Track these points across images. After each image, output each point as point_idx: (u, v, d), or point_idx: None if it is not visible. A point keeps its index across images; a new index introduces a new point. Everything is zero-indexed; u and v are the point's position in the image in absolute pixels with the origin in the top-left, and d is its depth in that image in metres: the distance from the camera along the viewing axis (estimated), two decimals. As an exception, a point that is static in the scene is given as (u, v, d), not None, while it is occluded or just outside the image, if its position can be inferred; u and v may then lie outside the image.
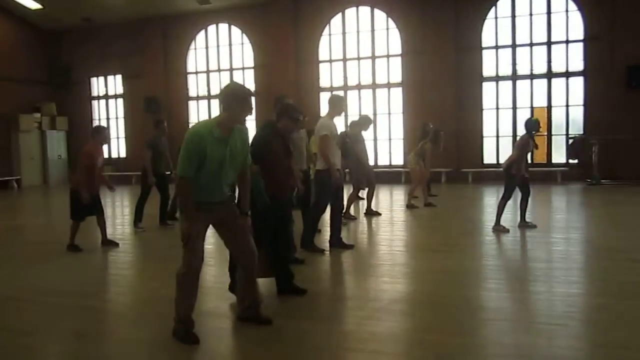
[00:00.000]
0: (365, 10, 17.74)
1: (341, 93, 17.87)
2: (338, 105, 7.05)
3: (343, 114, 7.67)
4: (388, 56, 17.64)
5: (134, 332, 4.35)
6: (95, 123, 21.89)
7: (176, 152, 4.28)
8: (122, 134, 21.54)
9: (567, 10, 15.75)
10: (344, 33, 18.06)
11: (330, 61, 18.28)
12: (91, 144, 7.52)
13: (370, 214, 9.99)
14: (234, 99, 3.86)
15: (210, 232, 4.26)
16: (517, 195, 8.21)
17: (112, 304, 5.26)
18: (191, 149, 3.73)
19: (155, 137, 9.32)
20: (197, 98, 20.29)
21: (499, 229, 7.90)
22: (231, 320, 4.48)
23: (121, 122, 21.50)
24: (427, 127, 11.96)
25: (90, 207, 7.50)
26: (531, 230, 7.99)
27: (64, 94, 21.72)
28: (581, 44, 15.70)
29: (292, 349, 3.79)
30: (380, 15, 17.57)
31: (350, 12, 17.92)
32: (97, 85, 21.94)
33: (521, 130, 16.44)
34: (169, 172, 9.42)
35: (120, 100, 21.48)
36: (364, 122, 9.63)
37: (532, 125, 8.01)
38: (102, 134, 7.54)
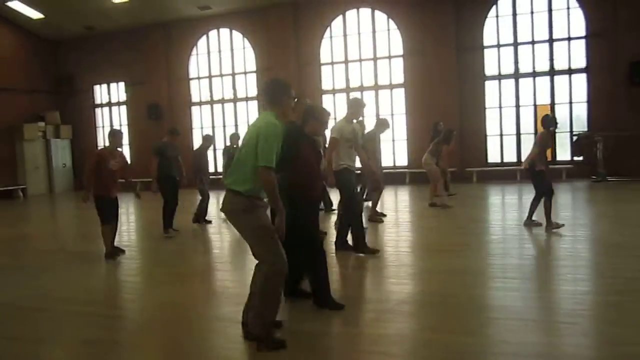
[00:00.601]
0: (365, 11, 17.74)
1: (343, 95, 17.92)
2: (356, 107, 7.05)
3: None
4: (390, 57, 17.64)
5: (143, 339, 4.36)
6: (99, 131, 22.02)
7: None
8: (125, 140, 21.57)
9: (568, 7, 15.72)
10: (345, 35, 18.07)
11: (332, 63, 18.29)
12: (105, 147, 7.70)
13: (376, 215, 9.92)
14: (284, 92, 3.91)
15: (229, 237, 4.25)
16: (525, 191, 8.17)
17: (120, 310, 5.27)
18: (277, 140, 3.73)
19: (162, 144, 9.30)
20: (200, 103, 20.33)
21: (553, 226, 7.68)
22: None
23: (125, 129, 21.53)
24: (439, 126, 11.95)
25: (117, 210, 7.59)
26: (537, 228, 7.96)
27: (67, 102, 21.82)
28: (583, 41, 15.65)
29: (303, 351, 3.79)
30: (381, 16, 17.57)
31: (351, 14, 17.93)
32: (101, 92, 22.01)
33: (525, 128, 16.52)
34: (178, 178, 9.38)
35: (123, 108, 21.56)
36: (381, 124, 9.53)
37: (549, 121, 7.98)
38: (115, 137, 7.60)
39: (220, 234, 9.36)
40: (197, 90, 20.33)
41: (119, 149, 7.73)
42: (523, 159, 16.29)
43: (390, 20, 17.39)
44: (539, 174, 7.80)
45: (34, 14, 18.87)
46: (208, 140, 10.67)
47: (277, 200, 3.71)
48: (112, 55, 20.70)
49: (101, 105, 22.04)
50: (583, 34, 15.61)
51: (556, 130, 15.80)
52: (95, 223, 7.63)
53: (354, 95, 17.84)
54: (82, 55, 21.31)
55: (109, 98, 21.85)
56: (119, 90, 21.59)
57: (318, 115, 4.91)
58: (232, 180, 3.83)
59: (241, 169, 3.81)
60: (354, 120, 7.05)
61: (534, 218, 8.15)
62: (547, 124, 8.00)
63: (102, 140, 22.11)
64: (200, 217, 10.06)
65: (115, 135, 7.61)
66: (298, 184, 4.52)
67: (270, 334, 3.79)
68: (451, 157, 13.06)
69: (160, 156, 9.05)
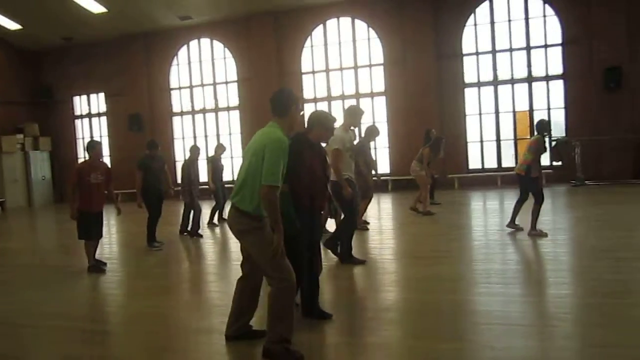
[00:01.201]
0: (346, 21, 17.87)
1: (325, 104, 17.99)
2: (354, 116, 7.00)
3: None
4: (370, 66, 17.77)
5: (124, 352, 4.31)
6: (79, 142, 21.80)
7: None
8: (106, 152, 21.40)
9: (544, 15, 16.01)
10: (325, 44, 18.17)
11: (313, 72, 18.36)
12: (85, 160, 7.51)
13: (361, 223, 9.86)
14: (292, 102, 3.82)
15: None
16: (506, 197, 8.26)
17: (101, 324, 5.21)
18: (281, 156, 3.62)
19: (147, 157, 9.13)
20: (181, 114, 20.24)
21: (536, 233, 7.74)
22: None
23: (105, 140, 21.36)
24: (431, 133, 12.00)
25: (99, 226, 7.45)
26: (519, 232, 8.06)
27: (46, 114, 21.58)
28: (559, 48, 15.95)
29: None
30: (361, 25, 17.71)
31: (332, 23, 18.04)
32: (80, 104, 21.82)
33: (504, 134, 16.73)
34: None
35: (103, 119, 21.37)
36: (371, 132, 9.43)
37: (543, 126, 8.02)
38: (94, 149, 7.40)
39: (204, 244, 9.31)
40: (179, 101, 20.25)
41: (101, 160, 7.60)
42: (504, 164, 16.65)
43: (371, 29, 17.54)
44: (533, 180, 7.86)
45: (12, 25, 18.67)
46: (194, 151, 10.53)
47: (278, 220, 3.63)
48: (91, 66, 20.56)
49: (81, 117, 21.84)
50: (559, 41, 15.91)
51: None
52: (75, 237, 7.53)
53: (338, 105, 17.94)
54: (61, 66, 21.12)
55: (89, 109, 21.66)
56: (99, 101, 21.42)
57: (324, 122, 4.82)
58: (239, 198, 3.75)
59: (248, 187, 3.71)
60: (351, 128, 7.07)
61: (516, 222, 8.24)
62: (541, 129, 8.01)
63: (83, 151, 21.87)
64: (193, 230, 9.89)
65: (94, 147, 7.42)
66: (302, 192, 4.41)
67: (288, 350, 3.71)
68: (433, 163, 13.11)
69: (146, 169, 8.89)
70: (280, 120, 3.80)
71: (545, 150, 7.96)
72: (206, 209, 11.23)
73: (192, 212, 10.01)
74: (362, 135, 9.37)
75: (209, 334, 4.55)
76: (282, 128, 3.78)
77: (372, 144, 9.59)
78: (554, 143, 15.61)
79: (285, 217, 4.01)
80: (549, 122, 8.19)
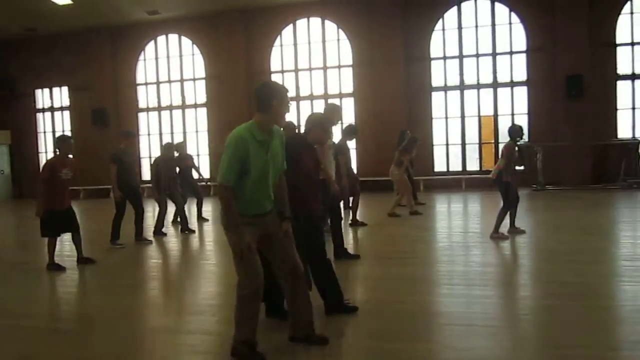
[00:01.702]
0: (316, 21, 17.90)
1: (293, 104, 17.95)
2: (332, 114, 6.90)
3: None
4: (339, 67, 17.84)
5: (80, 352, 4.22)
6: (41, 136, 21.25)
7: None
8: (69, 147, 20.92)
9: (510, 23, 16.35)
10: (295, 44, 18.16)
11: (282, 72, 18.33)
12: (55, 155, 7.30)
13: (356, 224, 9.85)
14: (273, 96, 3.59)
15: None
16: (470, 200, 8.39)
17: (60, 323, 5.09)
18: (233, 153, 3.50)
19: (119, 150, 8.95)
20: (148, 109, 19.94)
21: (498, 236, 7.90)
22: (189, 337, 4.41)
23: (68, 135, 20.86)
24: (406, 134, 11.88)
25: (65, 223, 7.25)
26: (481, 236, 8.21)
27: (6, 106, 20.93)
28: (524, 55, 16.32)
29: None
30: (331, 26, 17.76)
31: (301, 23, 18.04)
32: (42, 97, 21.27)
33: (469, 138, 17.01)
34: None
35: (66, 113, 20.88)
36: (350, 131, 9.26)
37: (515, 132, 8.15)
38: (65, 143, 7.23)
39: (172, 243, 9.20)
40: (145, 97, 19.94)
41: (70, 156, 7.40)
42: (468, 168, 16.93)
43: (340, 30, 17.61)
44: (505, 184, 8.01)
45: (-29, 14, 18.05)
46: (168, 148, 10.35)
47: (229, 220, 3.57)
48: (55, 58, 20.05)
49: (43, 110, 21.29)
50: (524, 48, 16.27)
51: (499, 141, 16.52)
52: (35, 233, 7.34)
53: (306, 105, 17.94)
54: (24, 58, 20.53)
55: (52, 102, 21.13)
56: (62, 95, 20.91)
57: (323, 124, 4.80)
58: None
59: None
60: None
61: (516, 225, 8.31)
62: (513, 134, 8.15)
63: (45, 146, 21.35)
64: (157, 227, 9.78)
65: (65, 141, 7.24)
66: (296, 192, 4.29)
67: (253, 352, 3.67)
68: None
69: (118, 163, 8.72)
70: (260, 115, 3.64)
71: (516, 156, 8.10)
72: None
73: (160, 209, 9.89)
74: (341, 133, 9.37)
75: (175, 334, 4.49)
76: (262, 123, 3.63)
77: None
78: (516, 148, 15.94)
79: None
80: (521, 127, 8.34)
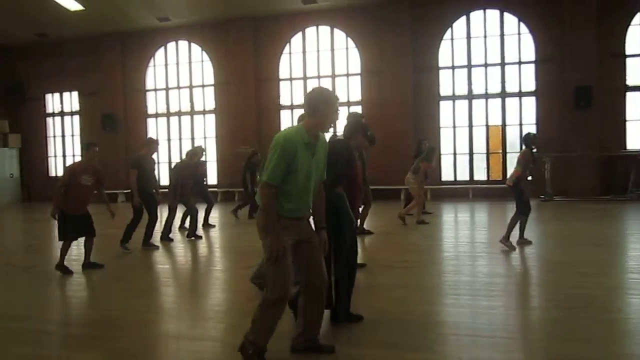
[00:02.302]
0: (325, 29, 17.98)
1: (302, 111, 18.00)
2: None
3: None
4: (348, 75, 17.90)
5: (84, 357, 4.23)
6: (50, 140, 21.41)
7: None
8: (77, 151, 21.08)
9: (519, 33, 16.36)
10: (304, 52, 18.24)
11: (291, 79, 18.40)
12: (79, 161, 7.45)
13: (363, 233, 9.86)
14: (322, 102, 3.62)
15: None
16: (477, 210, 8.37)
17: (63, 327, 5.11)
18: (281, 153, 3.49)
19: (140, 156, 9.02)
20: (157, 115, 20.06)
21: (506, 244, 7.91)
22: (193, 343, 4.42)
23: (77, 139, 21.05)
24: (423, 144, 11.98)
25: (80, 228, 7.29)
26: (488, 246, 8.18)
27: (17, 110, 21.16)
28: (533, 65, 16.31)
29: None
30: (340, 34, 17.84)
31: (310, 31, 18.12)
32: (52, 101, 21.46)
33: (477, 148, 16.98)
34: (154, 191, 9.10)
35: (76, 117, 21.05)
36: (370, 140, 9.28)
37: (531, 140, 8.21)
38: (88, 151, 7.35)
39: (179, 249, 9.22)
40: (154, 102, 20.07)
41: (94, 164, 7.44)
42: (476, 177, 16.89)
43: (349, 38, 17.67)
44: (520, 191, 8.01)
45: (-16, 19, 18.28)
46: (193, 155, 10.41)
47: (264, 219, 3.58)
48: (65, 63, 20.24)
49: (53, 115, 21.48)
50: (533, 58, 16.26)
51: (507, 151, 16.49)
52: (43, 236, 7.38)
53: (350, 113, 17.95)
54: (34, 63, 20.74)
55: (62, 107, 21.31)
56: (72, 100, 21.09)
57: (367, 131, 4.83)
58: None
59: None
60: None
61: (525, 237, 8.29)
62: (528, 142, 8.21)
63: (54, 150, 21.51)
64: (165, 233, 9.82)
65: (87, 148, 7.37)
66: (351, 196, 4.34)
67: (251, 354, 3.66)
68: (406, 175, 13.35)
69: (139, 169, 8.78)
70: (309, 119, 3.67)
71: (533, 163, 8.13)
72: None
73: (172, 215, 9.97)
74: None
75: (177, 339, 4.51)
76: (310, 127, 3.65)
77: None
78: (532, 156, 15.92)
79: (345, 216, 4.25)
80: (535, 135, 8.41)
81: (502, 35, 16.53)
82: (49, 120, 21.53)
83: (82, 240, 7.47)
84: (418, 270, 6.85)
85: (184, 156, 10.72)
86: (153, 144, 9.19)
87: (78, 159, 20.86)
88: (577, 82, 15.31)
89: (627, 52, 15.56)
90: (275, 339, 3.75)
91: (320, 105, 3.62)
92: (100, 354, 4.26)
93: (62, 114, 21.34)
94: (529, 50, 16.32)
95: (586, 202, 14.29)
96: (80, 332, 4.94)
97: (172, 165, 10.66)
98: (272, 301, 3.60)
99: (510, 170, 16.21)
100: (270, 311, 3.63)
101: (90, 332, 4.89)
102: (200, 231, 10.56)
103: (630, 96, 15.71)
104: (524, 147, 8.30)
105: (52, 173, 21.61)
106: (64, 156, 21.37)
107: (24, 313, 5.44)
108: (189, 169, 10.18)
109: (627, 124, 15.75)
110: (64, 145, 21.44)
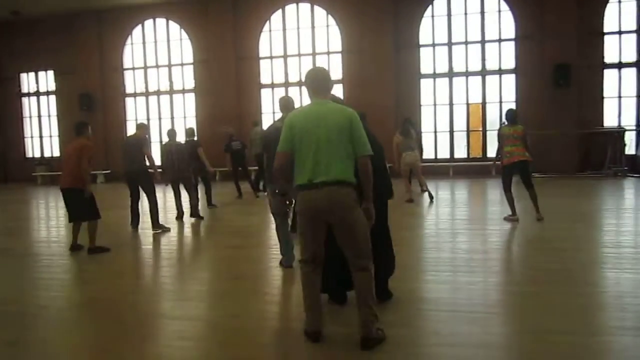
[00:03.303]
0: (305, 7, 17.80)
1: (282, 90, 17.92)
2: (288, 107, 6.88)
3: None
4: (328, 53, 17.79)
5: (69, 339, 4.22)
6: (26, 121, 21.03)
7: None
8: (55, 132, 20.76)
9: (499, 10, 16.37)
10: (284, 29, 18.06)
11: (271, 57, 18.24)
12: (80, 139, 7.18)
13: None
14: (330, 80, 3.88)
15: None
16: (458, 187, 8.43)
17: (45, 309, 5.07)
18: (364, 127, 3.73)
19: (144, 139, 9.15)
20: (135, 95, 19.79)
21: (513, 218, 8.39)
22: (175, 322, 4.43)
23: (54, 120, 20.70)
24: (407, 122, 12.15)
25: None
26: (468, 222, 8.28)
27: (-10, 90, 20.70)
28: (513, 43, 16.36)
29: (237, 346, 3.79)
30: (320, 12, 17.68)
31: (291, 8, 17.93)
32: (28, 81, 21.01)
33: (458, 126, 17.07)
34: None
35: (52, 97, 20.66)
36: (361, 117, 9.41)
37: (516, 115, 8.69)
38: (89, 131, 7.32)
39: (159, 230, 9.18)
40: (132, 81, 19.77)
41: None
42: (456, 155, 17.01)
43: (330, 16, 17.52)
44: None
45: (-46, -4, 17.75)
46: (191, 134, 11.03)
47: (371, 190, 3.67)
48: (40, 42, 19.80)
49: (28, 95, 21.05)
50: (513, 36, 16.31)
51: (487, 129, 16.62)
52: (21, 218, 7.29)
53: (295, 91, 17.89)
54: (8, 41, 20.26)
55: (37, 87, 20.89)
56: (47, 79, 20.68)
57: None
58: (340, 171, 3.55)
59: (345, 160, 3.57)
60: None
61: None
62: (515, 117, 8.66)
63: (30, 130, 21.15)
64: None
65: (89, 130, 7.34)
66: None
67: (382, 332, 3.75)
68: (386, 153, 13.47)
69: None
70: (333, 95, 3.95)
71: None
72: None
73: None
74: None
75: (164, 319, 4.50)
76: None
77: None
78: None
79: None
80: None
81: (482, 12, 16.53)
82: (25, 100, 21.11)
83: (66, 224, 7.37)
84: (398, 249, 6.89)
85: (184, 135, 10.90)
86: (144, 128, 9.17)
87: (55, 139, 20.58)
88: (556, 60, 15.42)
89: (605, 30, 15.68)
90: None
91: (331, 86, 3.87)
92: (81, 335, 4.25)
93: (37, 93, 20.94)
94: (509, 28, 16.36)
95: (564, 178, 14.50)
96: (60, 314, 4.91)
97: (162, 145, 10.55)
98: (371, 269, 3.70)
99: (491, 148, 16.42)
100: (372, 279, 3.71)
101: (71, 314, 4.87)
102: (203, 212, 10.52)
103: (608, 73, 15.89)
104: (517, 124, 8.51)
105: (29, 154, 21.28)
106: (41, 137, 21.02)
107: (4, 296, 5.39)
108: (184, 147, 10.14)
109: (605, 101, 15.95)
110: (41, 125, 21.07)
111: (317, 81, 3.78)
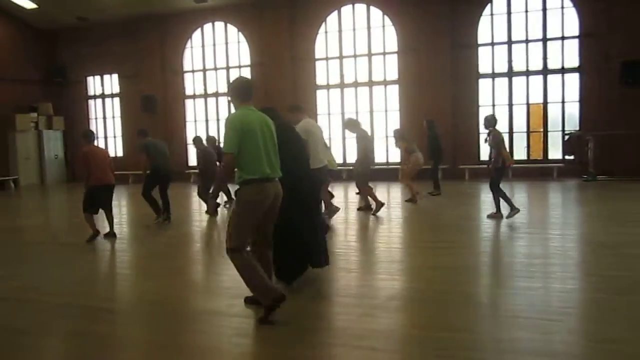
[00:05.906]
0: (361, 7, 17.75)
1: (338, 90, 17.96)
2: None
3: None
4: (384, 53, 17.67)
5: (132, 332, 4.37)
6: (92, 122, 21.94)
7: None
8: (118, 132, 21.56)
9: (562, 7, 15.80)
10: (340, 31, 18.07)
11: (327, 59, 18.28)
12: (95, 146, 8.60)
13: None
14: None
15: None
16: (516, 189, 8.21)
17: (111, 303, 5.27)
18: None
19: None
20: (194, 97, 20.29)
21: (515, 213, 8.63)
22: (234, 320, 4.51)
23: (117, 121, 21.51)
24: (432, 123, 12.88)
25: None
26: (527, 226, 8.05)
27: (60, 93, 21.71)
28: (576, 41, 15.75)
29: (292, 346, 3.82)
30: (376, 12, 17.58)
31: (347, 9, 17.92)
32: (94, 84, 21.92)
33: (518, 127, 16.61)
34: None
35: (116, 100, 21.47)
36: (347, 124, 10.53)
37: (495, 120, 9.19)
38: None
39: (215, 227, 9.38)
40: (191, 84, 20.28)
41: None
42: (515, 157, 16.53)
43: (386, 16, 17.41)
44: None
45: (28, 4, 18.75)
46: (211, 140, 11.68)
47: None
48: (105, 46, 20.59)
49: (94, 97, 21.96)
50: (576, 33, 15.71)
51: (548, 130, 16.10)
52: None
53: (350, 92, 17.90)
54: (76, 46, 21.19)
55: (102, 89, 21.76)
56: (112, 82, 21.50)
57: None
58: (278, 168, 4.44)
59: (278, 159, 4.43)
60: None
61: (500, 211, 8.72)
62: (493, 122, 9.26)
63: (95, 131, 21.98)
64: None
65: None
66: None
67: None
68: (445, 154, 13.63)
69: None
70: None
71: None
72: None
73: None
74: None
75: (219, 316, 4.58)
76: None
77: (382, 132, 10.32)
78: (566, 137, 15.50)
79: None
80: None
81: (544, 9, 16.00)
82: (91, 102, 22.03)
83: (120, 220, 7.81)
84: (456, 251, 6.79)
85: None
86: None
87: (119, 140, 21.38)
88: (623, 57, 14.73)
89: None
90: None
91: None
92: (139, 331, 4.39)
93: (102, 96, 21.79)
94: (572, 25, 15.75)
95: (630, 182, 13.84)
96: (121, 309, 5.09)
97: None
98: None
99: (553, 149, 15.91)
100: None
101: (133, 309, 5.04)
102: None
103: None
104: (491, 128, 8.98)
105: (95, 154, 22.15)
106: (105, 137, 21.86)
107: (68, 289, 5.64)
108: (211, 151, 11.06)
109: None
110: (105, 126, 21.92)
111: (247, 90, 4.38)
